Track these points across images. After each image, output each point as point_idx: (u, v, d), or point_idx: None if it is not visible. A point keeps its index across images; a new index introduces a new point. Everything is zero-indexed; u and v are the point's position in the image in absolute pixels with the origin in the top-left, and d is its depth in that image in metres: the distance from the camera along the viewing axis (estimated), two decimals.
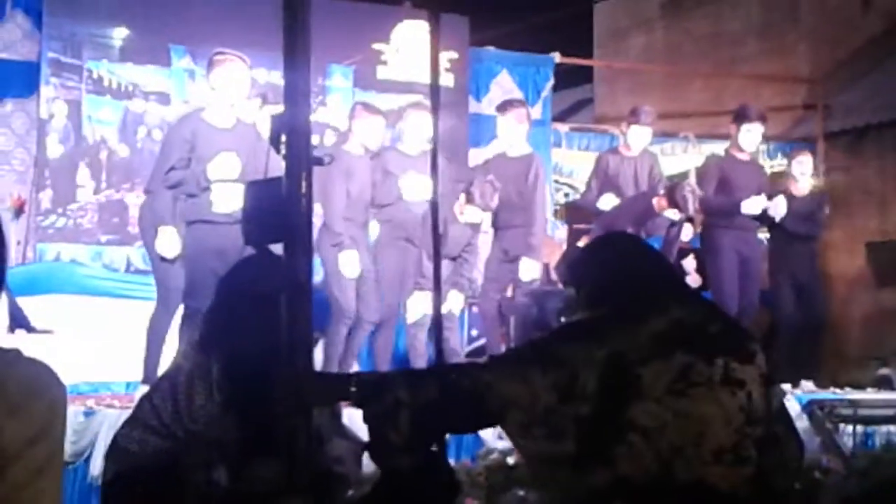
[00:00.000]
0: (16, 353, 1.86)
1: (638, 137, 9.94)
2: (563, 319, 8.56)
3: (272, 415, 2.87)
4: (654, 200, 9.29)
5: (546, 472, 2.86)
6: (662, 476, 2.67)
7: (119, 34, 10.33)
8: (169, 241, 7.33)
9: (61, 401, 1.92)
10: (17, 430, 1.79)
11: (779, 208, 10.02)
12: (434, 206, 3.76)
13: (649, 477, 2.68)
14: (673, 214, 9.18)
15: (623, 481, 2.69)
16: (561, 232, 12.30)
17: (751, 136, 10.18)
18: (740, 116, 10.18)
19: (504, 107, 9.63)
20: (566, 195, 14.04)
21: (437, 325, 3.68)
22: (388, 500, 3.27)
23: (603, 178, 9.97)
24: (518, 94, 12.36)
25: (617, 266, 3.10)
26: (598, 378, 2.75)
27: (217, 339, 3.59)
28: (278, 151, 3.05)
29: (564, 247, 11.49)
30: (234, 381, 3.50)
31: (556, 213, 12.74)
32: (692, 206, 9.11)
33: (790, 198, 10.20)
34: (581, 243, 10.96)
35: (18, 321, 8.67)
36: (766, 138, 13.50)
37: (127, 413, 6.40)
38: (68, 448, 6.60)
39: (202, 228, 7.39)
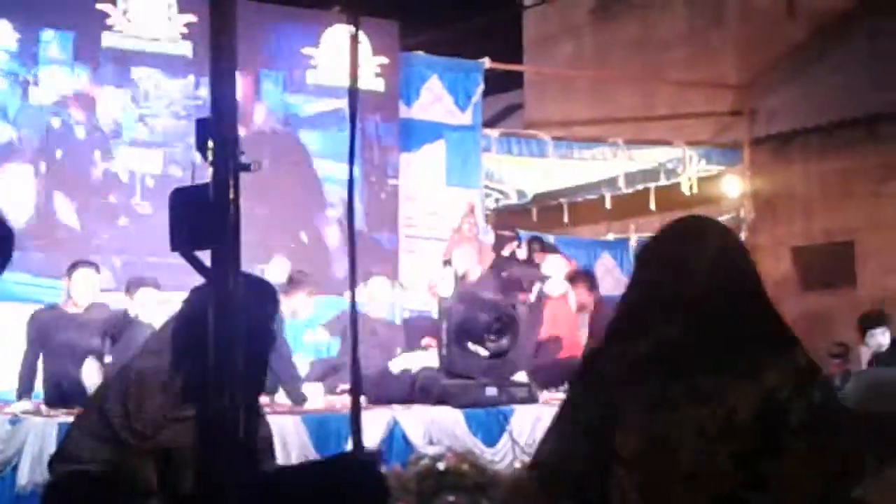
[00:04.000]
0: None
1: None
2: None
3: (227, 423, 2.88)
4: None
5: None
6: None
7: None
8: None
9: None
10: None
11: None
12: (350, 212, 3.77)
13: None
14: None
15: None
16: (491, 237, 12.30)
17: None
18: None
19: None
20: (496, 200, 14.08)
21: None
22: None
23: None
24: (448, 99, 12.39)
25: (633, 279, 2.94)
26: (588, 412, 2.73)
27: (183, 351, 3.58)
28: (206, 158, 3.03)
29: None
30: (196, 393, 3.48)
31: (486, 217, 12.76)
32: None
33: None
34: (506, 251, 11.04)
35: None
36: (693, 143, 13.67)
37: (53, 421, 6.38)
38: None
39: None
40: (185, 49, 10.81)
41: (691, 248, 2.82)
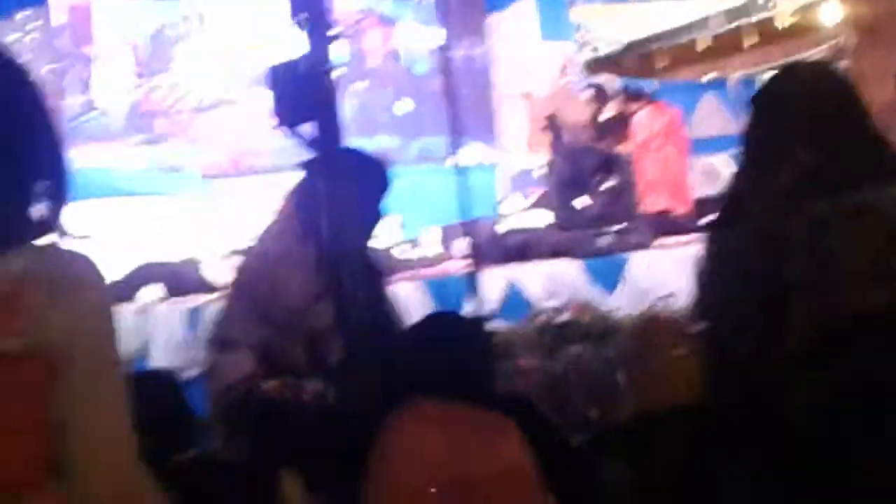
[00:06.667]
0: (53, 248, 1.76)
1: None
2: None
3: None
4: None
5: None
6: (813, 330, 2.63)
7: None
8: None
9: (106, 293, 1.83)
10: (65, 323, 1.70)
11: None
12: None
13: (805, 334, 2.64)
14: None
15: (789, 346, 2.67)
16: (588, 92, 12.12)
17: None
18: None
19: None
20: (593, 50, 13.84)
21: None
22: (430, 365, 3.30)
23: None
24: None
25: (762, 113, 2.93)
26: (746, 253, 2.73)
27: (312, 224, 3.61)
28: (302, 29, 3.05)
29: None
30: (332, 271, 3.53)
31: (581, 70, 12.58)
32: None
33: None
34: (604, 107, 10.95)
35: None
36: None
37: (177, 309, 6.54)
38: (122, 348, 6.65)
39: None
40: None
41: (822, 82, 2.94)
